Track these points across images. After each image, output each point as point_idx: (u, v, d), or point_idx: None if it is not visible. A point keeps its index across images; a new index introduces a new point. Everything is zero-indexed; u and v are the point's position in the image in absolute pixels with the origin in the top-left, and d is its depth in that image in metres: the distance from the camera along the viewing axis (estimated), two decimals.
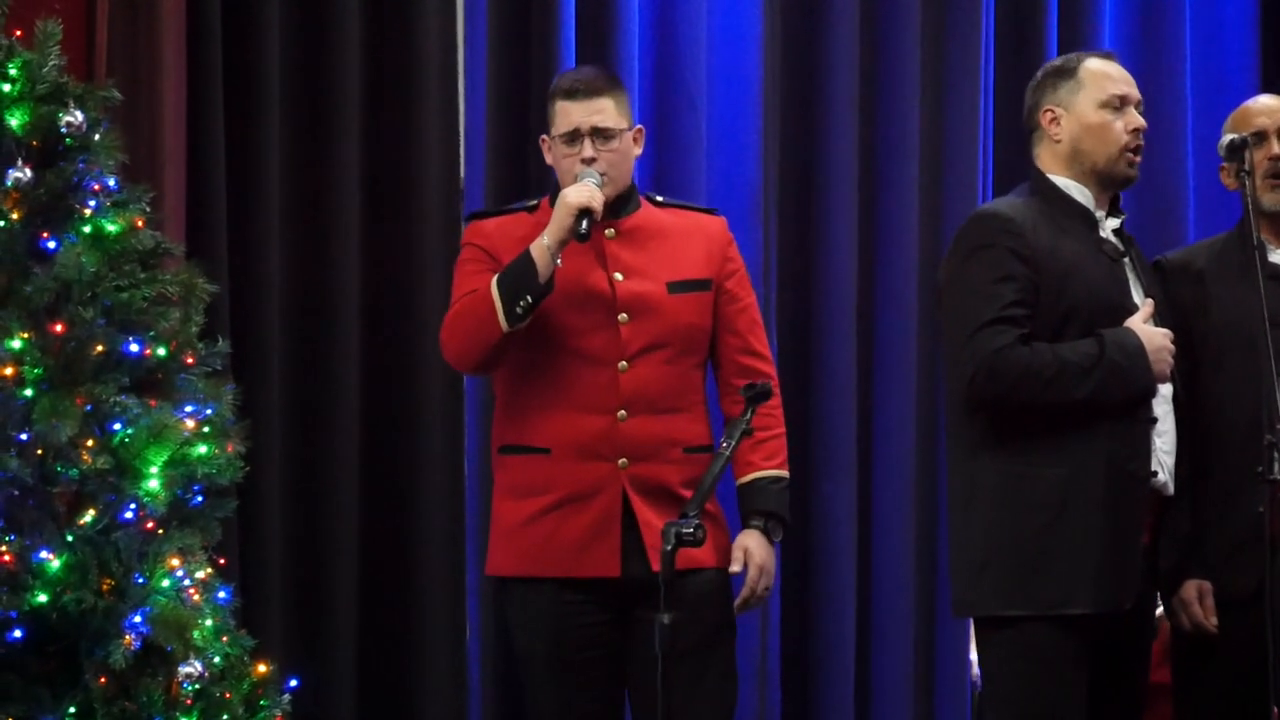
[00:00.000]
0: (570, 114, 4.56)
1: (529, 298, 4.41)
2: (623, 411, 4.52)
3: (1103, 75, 4.45)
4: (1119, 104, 4.43)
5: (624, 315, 4.54)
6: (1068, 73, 4.47)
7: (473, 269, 4.57)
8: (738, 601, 4.60)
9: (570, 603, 4.50)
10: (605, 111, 4.55)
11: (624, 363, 4.53)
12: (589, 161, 4.52)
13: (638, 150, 4.66)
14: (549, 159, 4.65)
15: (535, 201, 4.69)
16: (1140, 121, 4.44)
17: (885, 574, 5.92)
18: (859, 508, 5.87)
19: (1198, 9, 6.33)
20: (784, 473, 4.67)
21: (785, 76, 5.84)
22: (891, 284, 5.94)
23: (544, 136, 4.65)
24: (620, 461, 4.51)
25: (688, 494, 4.50)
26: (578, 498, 4.51)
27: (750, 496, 4.64)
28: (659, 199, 4.74)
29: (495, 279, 4.45)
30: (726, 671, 4.61)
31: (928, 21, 5.97)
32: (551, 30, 5.46)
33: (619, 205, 4.60)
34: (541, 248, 4.43)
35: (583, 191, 4.45)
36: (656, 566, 4.33)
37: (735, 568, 4.57)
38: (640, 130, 4.66)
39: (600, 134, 4.54)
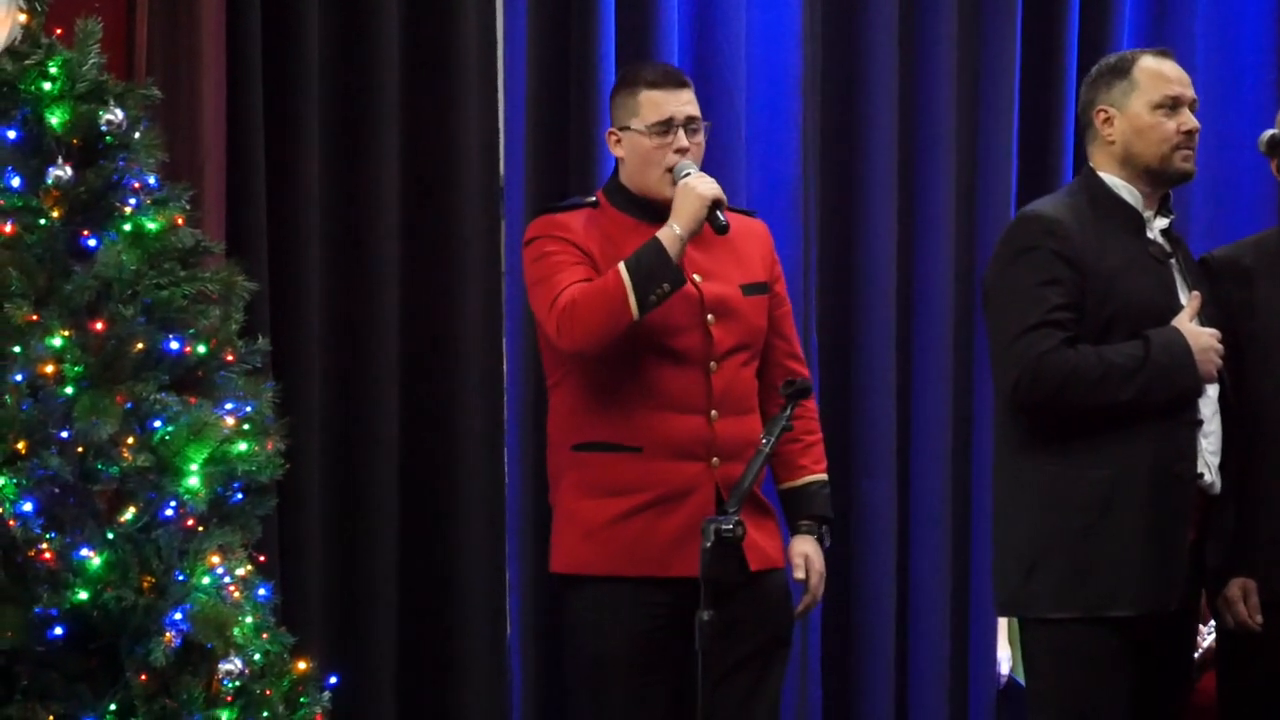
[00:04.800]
0: (662, 104, 4.56)
1: (666, 285, 4.41)
2: (714, 412, 4.54)
3: (1157, 75, 4.42)
4: (1172, 104, 4.40)
5: (711, 316, 4.55)
6: (1122, 72, 4.44)
7: (566, 259, 4.54)
8: (799, 608, 4.64)
9: (653, 603, 4.52)
10: (694, 103, 4.59)
11: (714, 363, 4.54)
12: (683, 152, 4.52)
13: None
14: (618, 151, 4.63)
15: (594, 198, 4.69)
16: (1194, 123, 4.41)
17: (923, 570, 5.92)
18: (898, 504, 5.87)
19: (1212, 5, 6.29)
20: (826, 476, 4.71)
21: (824, 74, 5.83)
22: (930, 282, 5.93)
23: (612, 129, 4.64)
24: (713, 461, 4.52)
25: (759, 492, 4.55)
26: (671, 497, 4.52)
27: (803, 501, 4.66)
28: None
29: (624, 266, 4.43)
30: (781, 672, 4.65)
31: (964, 19, 5.96)
32: (591, 27, 5.45)
33: None
34: (674, 236, 4.43)
35: (709, 183, 4.46)
36: (755, 565, 4.36)
37: (799, 575, 4.59)
38: (708, 125, 4.67)
39: (692, 125, 4.56)
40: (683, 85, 4.59)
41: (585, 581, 4.61)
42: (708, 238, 4.57)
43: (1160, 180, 4.42)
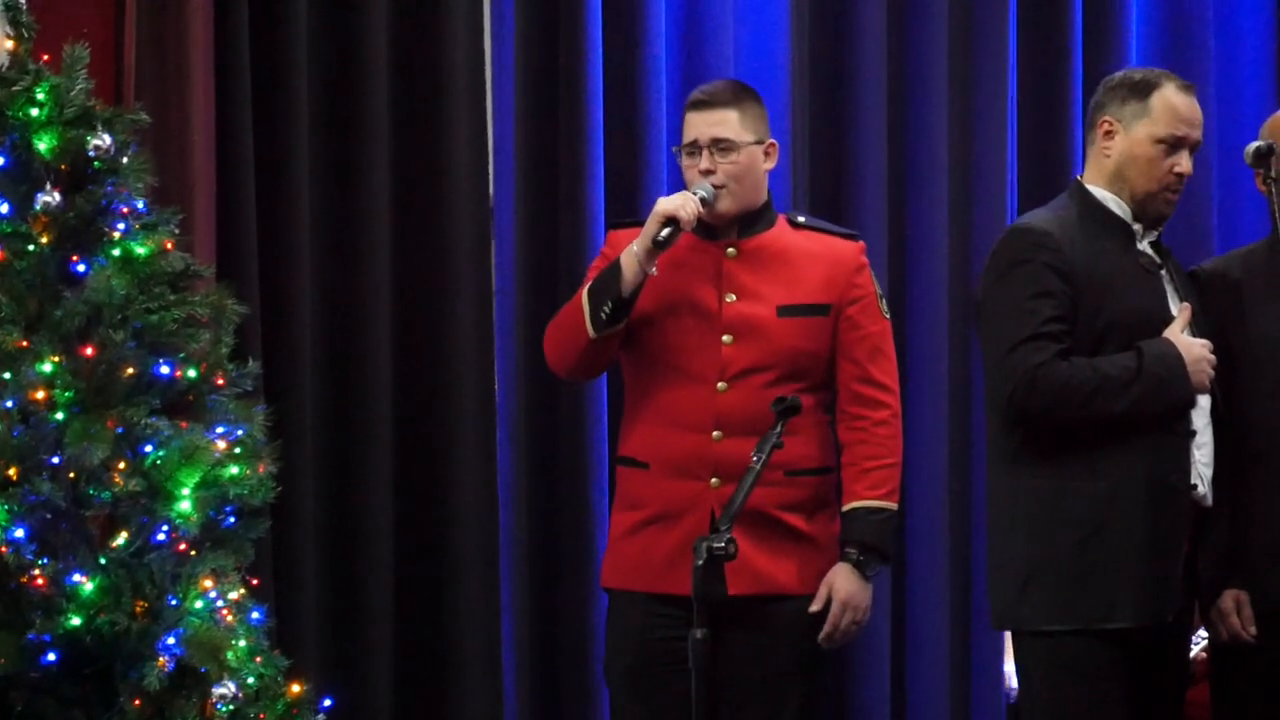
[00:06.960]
0: (691, 125, 4.57)
1: (610, 303, 4.43)
2: (718, 432, 4.51)
3: (1171, 111, 4.38)
4: (1174, 144, 4.38)
5: (728, 336, 4.53)
6: (1141, 93, 4.40)
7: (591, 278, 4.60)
8: (820, 636, 4.53)
9: (658, 617, 4.51)
10: (726, 123, 4.53)
11: (723, 383, 4.52)
12: (706, 173, 4.52)
13: (769, 164, 4.62)
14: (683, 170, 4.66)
15: None
16: (1188, 168, 4.39)
17: (920, 586, 5.89)
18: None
19: (1219, 18, 6.29)
20: (888, 504, 4.58)
21: (812, 95, 5.82)
22: (924, 299, 5.92)
23: (675, 148, 4.67)
24: (712, 481, 4.51)
25: (789, 517, 4.52)
26: (669, 515, 4.53)
27: (847, 526, 4.55)
28: (800, 220, 4.69)
29: (588, 285, 4.49)
30: (804, 706, 4.56)
31: (955, 28, 5.94)
32: (578, 47, 5.45)
33: (746, 223, 4.59)
34: (630, 254, 4.45)
35: (675, 200, 4.46)
36: (732, 589, 4.34)
37: (815, 607, 4.51)
38: (773, 145, 4.63)
39: (719, 145, 4.53)
40: (719, 105, 4.55)
41: (610, 594, 4.66)
42: (761, 257, 4.58)
43: (1139, 210, 4.41)
